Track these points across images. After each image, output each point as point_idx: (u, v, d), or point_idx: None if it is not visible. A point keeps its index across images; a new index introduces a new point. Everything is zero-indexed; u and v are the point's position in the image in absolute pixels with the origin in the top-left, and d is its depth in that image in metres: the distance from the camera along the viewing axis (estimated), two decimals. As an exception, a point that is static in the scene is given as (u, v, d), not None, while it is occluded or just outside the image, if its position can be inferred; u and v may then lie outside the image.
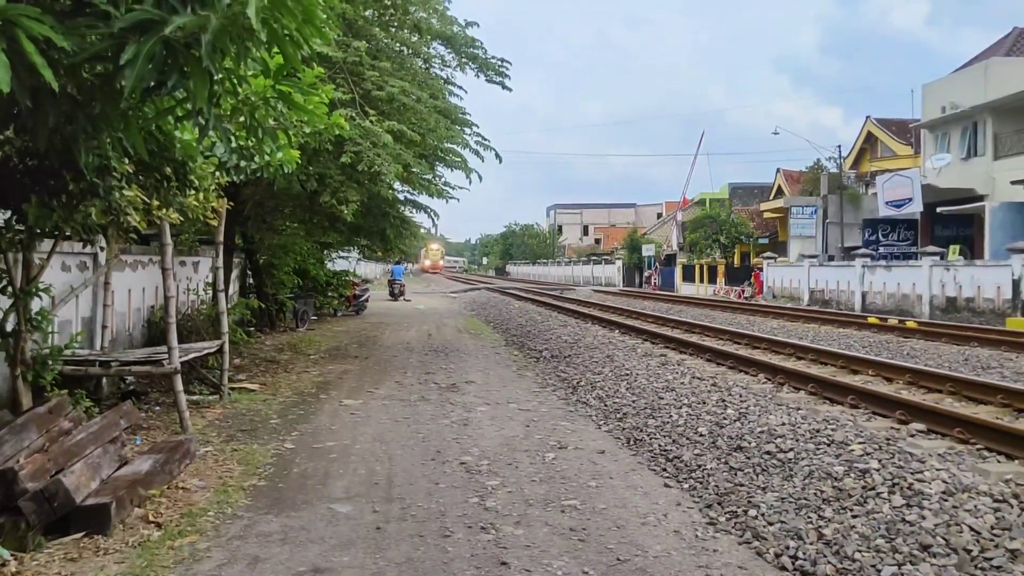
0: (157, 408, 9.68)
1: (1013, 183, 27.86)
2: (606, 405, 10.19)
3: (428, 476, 6.97)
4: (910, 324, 20.71)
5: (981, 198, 31.07)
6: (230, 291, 15.30)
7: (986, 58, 35.99)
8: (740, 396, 9.59)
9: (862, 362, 12.29)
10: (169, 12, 3.60)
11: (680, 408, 9.29)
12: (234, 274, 17.29)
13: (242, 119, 5.49)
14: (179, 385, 8.43)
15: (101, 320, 10.09)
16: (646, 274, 59.72)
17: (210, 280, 14.78)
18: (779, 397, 9.73)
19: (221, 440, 8.21)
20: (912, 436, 7.70)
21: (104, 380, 9.25)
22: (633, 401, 10.09)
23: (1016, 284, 22.22)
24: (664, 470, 7.26)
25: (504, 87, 15.31)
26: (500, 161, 15.74)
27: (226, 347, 10.73)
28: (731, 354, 13.33)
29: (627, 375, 11.88)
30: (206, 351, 10.39)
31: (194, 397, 10.10)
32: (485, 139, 15.62)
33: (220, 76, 4.33)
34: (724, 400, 9.40)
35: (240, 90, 4.94)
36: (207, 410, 9.72)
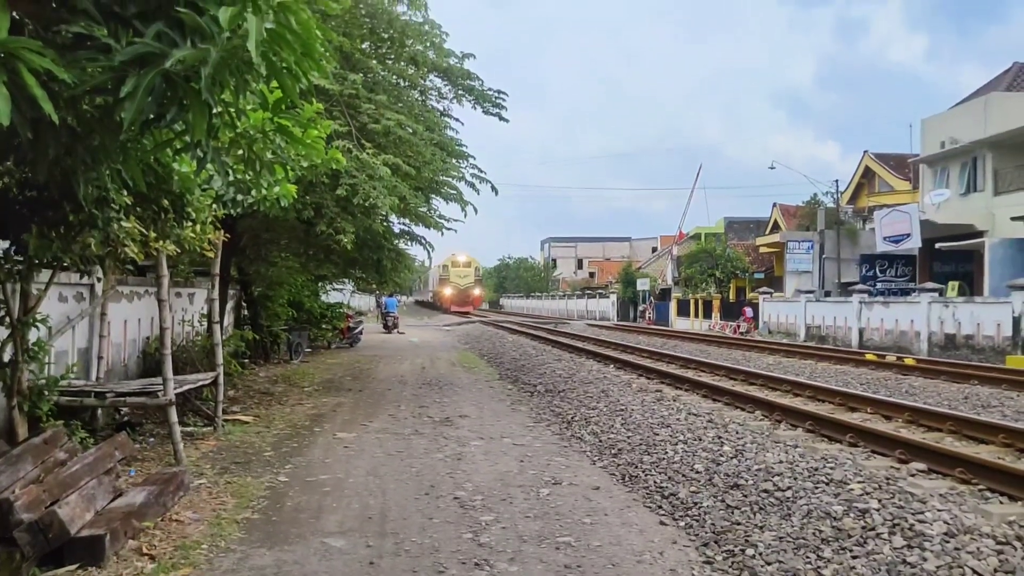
0: (151, 439, 9.62)
1: (1013, 219, 27.89)
2: (601, 441, 10.13)
3: (422, 511, 6.91)
4: (908, 361, 20.65)
5: (980, 234, 31.06)
6: (225, 323, 15.26)
7: (986, 93, 36.11)
8: (737, 433, 9.55)
9: (860, 399, 12.25)
10: (169, 45, 3.63)
11: (676, 444, 9.24)
12: (229, 305, 17.28)
13: (240, 152, 5.51)
14: (174, 417, 8.37)
15: (97, 351, 10.06)
16: (641, 308, 59.67)
17: (205, 311, 14.76)
18: (776, 434, 9.69)
19: (215, 472, 8.15)
20: (913, 476, 7.65)
21: (99, 411, 9.20)
22: (628, 437, 10.03)
23: (1016, 321, 22.15)
24: (660, 507, 7.19)
25: (501, 118, 15.42)
26: (496, 194, 15.80)
27: (221, 379, 10.68)
28: (727, 390, 13.30)
29: (622, 410, 11.83)
30: (201, 383, 10.35)
31: (188, 429, 10.03)
32: (481, 171, 15.70)
33: (219, 109, 4.35)
34: (720, 437, 9.35)
35: (238, 123, 4.96)
36: (201, 442, 9.66)
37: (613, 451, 9.48)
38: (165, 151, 5.03)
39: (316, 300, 26.05)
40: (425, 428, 11.14)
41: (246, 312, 19.83)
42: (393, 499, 7.31)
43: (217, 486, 7.58)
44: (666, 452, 8.95)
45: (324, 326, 25.53)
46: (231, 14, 3.56)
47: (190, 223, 6.81)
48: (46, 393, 7.54)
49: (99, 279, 9.76)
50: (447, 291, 75.33)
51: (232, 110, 4.61)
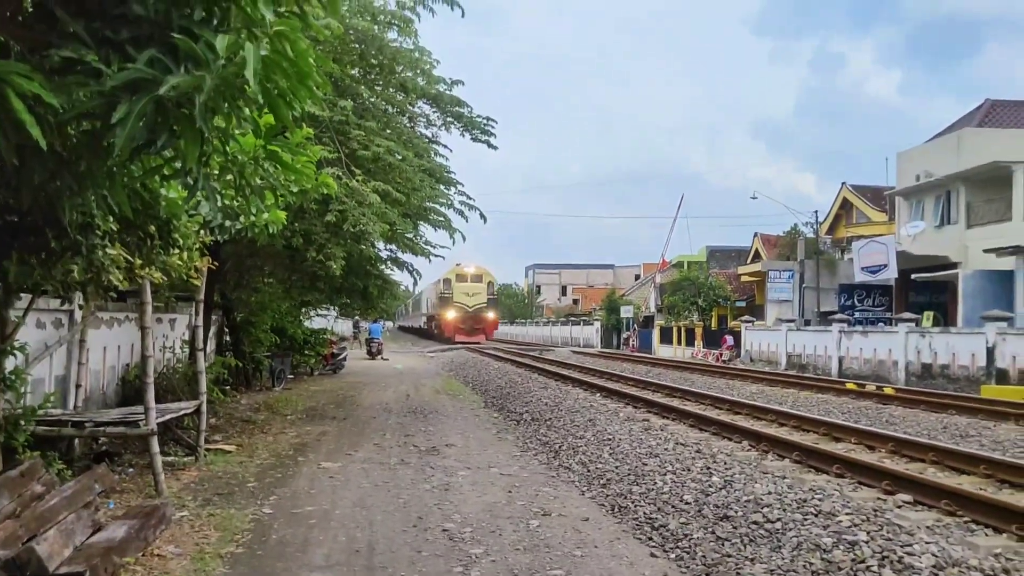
0: (131, 470, 9.42)
1: (985, 251, 28.30)
2: (589, 470, 10.04)
3: (410, 543, 6.79)
4: (888, 391, 20.75)
5: (954, 265, 31.48)
6: (207, 349, 15.08)
7: (959, 128, 36.86)
8: (725, 463, 9.49)
9: (844, 430, 12.26)
10: (163, 71, 3.57)
11: (665, 475, 9.16)
12: (211, 331, 17.09)
13: (230, 178, 5.45)
14: (155, 447, 8.21)
15: (75, 378, 9.87)
16: (624, 336, 59.68)
17: (187, 337, 14.59)
18: (764, 465, 9.65)
19: (197, 504, 7.98)
20: (899, 507, 7.62)
21: (77, 440, 9.00)
22: (616, 467, 9.95)
23: (990, 352, 22.39)
24: (650, 539, 7.11)
25: (490, 145, 15.44)
26: (485, 221, 15.78)
27: (203, 407, 10.52)
28: (714, 420, 13.27)
29: (610, 440, 11.75)
30: (183, 412, 10.18)
31: (169, 458, 9.84)
32: (470, 198, 15.68)
33: (211, 135, 4.29)
34: (709, 467, 9.30)
35: (229, 149, 4.91)
36: (182, 472, 9.48)
37: (602, 481, 9.39)
38: (153, 177, 4.96)
39: (299, 326, 25.86)
40: (411, 457, 11.00)
41: (228, 338, 19.64)
42: (381, 531, 7.19)
43: (200, 518, 7.42)
44: (655, 482, 8.88)
45: (307, 352, 25.31)
46: (228, 42, 3.51)
47: (176, 249, 6.71)
48: (22, 423, 7.37)
49: (80, 305, 9.61)
50: (450, 314, 56.70)
51: (224, 136, 4.57)
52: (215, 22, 3.83)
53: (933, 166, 34.43)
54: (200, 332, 10.99)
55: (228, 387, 16.92)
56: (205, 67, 3.62)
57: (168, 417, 9.52)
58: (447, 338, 55.65)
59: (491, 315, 60.19)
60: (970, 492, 7.76)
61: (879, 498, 7.97)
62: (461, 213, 15.37)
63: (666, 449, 10.67)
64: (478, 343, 51.73)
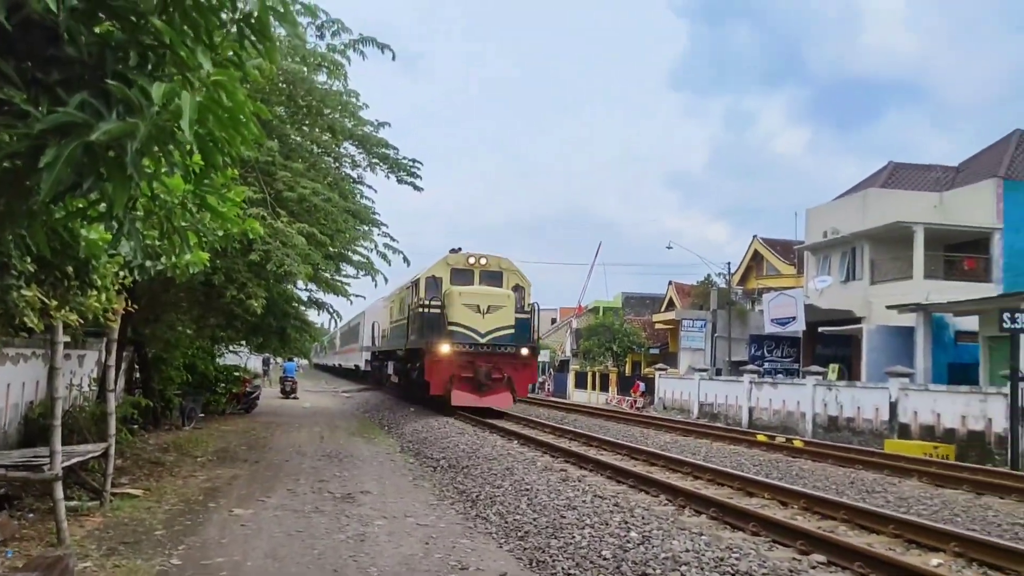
0: (31, 515, 8.97)
1: (888, 307, 29.42)
2: (507, 522, 9.98)
3: (325, 599, 6.63)
4: (797, 443, 21.29)
5: (859, 320, 32.66)
6: (117, 387, 14.57)
7: (864, 188, 38.47)
8: (643, 518, 9.55)
9: (758, 485, 12.50)
10: (93, 116, 3.49)
11: (583, 528, 9.17)
12: (121, 368, 16.51)
13: (154, 219, 5.32)
14: (59, 493, 7.85)
15: (-27, 417, 9.41)
16: (540, 380, 59.93)
17: (96, 375, 14.07)
18: (681, 520, 9.75)
19: (101, 554, 7.63)
20: (814, 567, 7.80)
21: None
22: (535, 519, 9.92)
23: (893, 407, 23.20)
24: (569, 596, 7.10)
25: (416, 187, 15.43)
26: (408, 264, 15.67)
27: (111, 451, 10.12)
28: (631, 472, 13.39)
29: (527, 490, 11.72)
30: (90, 455, 9.78)
31: (72, 503, 9.39)
32: (394, 239, 15.63)
33: (140, 180, 4.21)
34: (627, 522, 9.34)
35: (157, 192, 4.81)
36: (86, 518, 9.07)
37: (519, 533, 9.34)
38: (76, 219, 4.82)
39: (211, 363, 25.17)
40: (326, 505, 10.77)
41: (138, 375, 19.00)
42: (294, 586, 7.00)
43: (104, 570, 7.11)
44: (573, 536, 8.87)
45: (219, 390, 24.62)
46: (164, 90, 3.46)
47: (94, 291, 6.50)
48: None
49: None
50: (441, 349, 24.84)
51: (153, 180, 4.47)
52: (150, 67, 3.78)
53: (841, 223, 35.76)
54: (112, 373, 10.60)
55: (136, 426, 16.33)
56: (139, 113, 3.55)
57: (74, 460, 9.14)
58: (430, 396, 26.27)
59: (524, 352, 26.50)
60: (880, 554, 7.98)
61: (794, 558, 8.11)
62: (384, 256, 15.32)
63: (584, 502, 10.69)
64: (498, 408, 25.74)
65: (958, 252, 33.55)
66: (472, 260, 27.86)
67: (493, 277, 27.92)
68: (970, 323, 28.60)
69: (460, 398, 24.44)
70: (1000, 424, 19.47)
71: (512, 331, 25.92)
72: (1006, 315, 18.86)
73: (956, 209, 33.38)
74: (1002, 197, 31.81)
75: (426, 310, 26.00)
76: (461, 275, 27.35)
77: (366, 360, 48.76)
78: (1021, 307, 19.69)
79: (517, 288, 27.82)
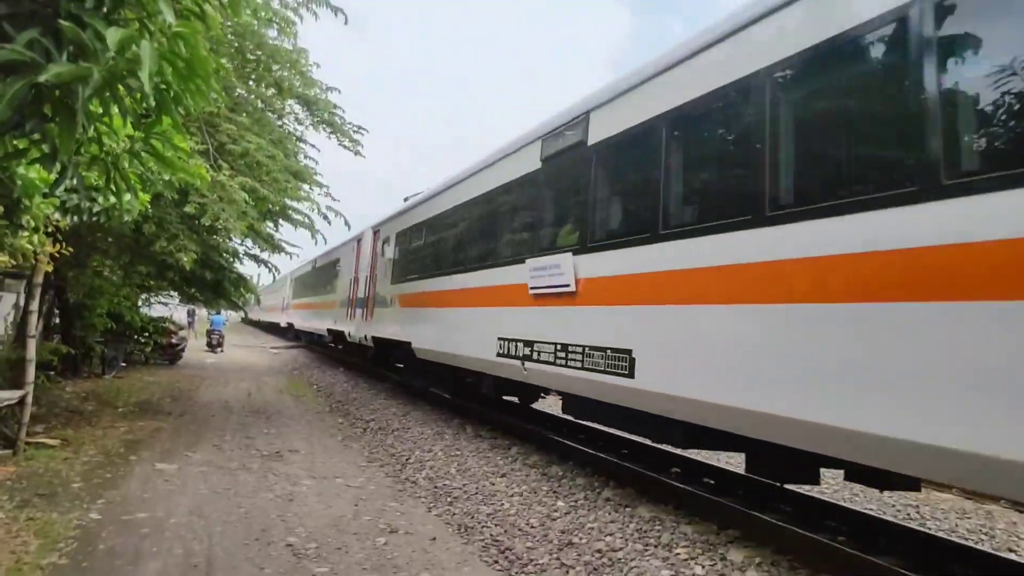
0: (-60, 462, 8.70)
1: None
2: (436, 487, 10.00)
3: (252, 559, 6.57)
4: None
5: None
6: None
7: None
8: (569, 488, 9.68)
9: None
10: (42, 56, 3.35)
11: (512, 496, 9.26)
12: (40, 313, 15.97)
13: (99, 164, 5.13)
14: (-27, 441, 7.60)
15: None
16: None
17: (12, 319, 13.60)
18: (606, 493, 9.89)
19: (14, 506, 7.43)
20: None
21: None
22: (464, 485, 9.97)
23: None
24: (496, 562, 7.16)
25: (357, 153, 15.19)
26: (349, 228, 15.51)
27: (29, 398, 9.82)
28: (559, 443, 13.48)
29: (458, 455, 11.76)
30: (5, 402, 9.47)
31: (-16, 452, 9.15)
32: (335, 199, 15.40)
33: (88, 125, 4.06)
34: (555, 491, 9.45)
35: (106, 140, 4.63)
36: (-1, 467, 8.83)
37: (449, 498, 9.37)
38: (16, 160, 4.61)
39: (137, 312, 24.53)
40: (253, 462, 10.66)
41: (57, 320, 18.42)
42: (220, 544, 6.91)
43: (17, 523, 6.91)
44: (502, 504, 8.95)
45: (143, 340, 24.04)
46: (121, 36, 3.32)
47: (26, 232, 6.25)
48: None
49: None
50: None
51: (100, 125, 4.32)
52: (105, 10, 3.63)
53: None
54: (33, 318, 10.23)
55: (53, 372, 15.88)
56: (92, 58, 3.42)
57: (-10, 407, 8.85)
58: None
59: None
60: None
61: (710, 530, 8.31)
62: (325, 217, 15.09)
63: (513, 469, 10.78)
64: None
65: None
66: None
67: None
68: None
69: None
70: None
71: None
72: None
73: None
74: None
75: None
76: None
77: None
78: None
79: None
